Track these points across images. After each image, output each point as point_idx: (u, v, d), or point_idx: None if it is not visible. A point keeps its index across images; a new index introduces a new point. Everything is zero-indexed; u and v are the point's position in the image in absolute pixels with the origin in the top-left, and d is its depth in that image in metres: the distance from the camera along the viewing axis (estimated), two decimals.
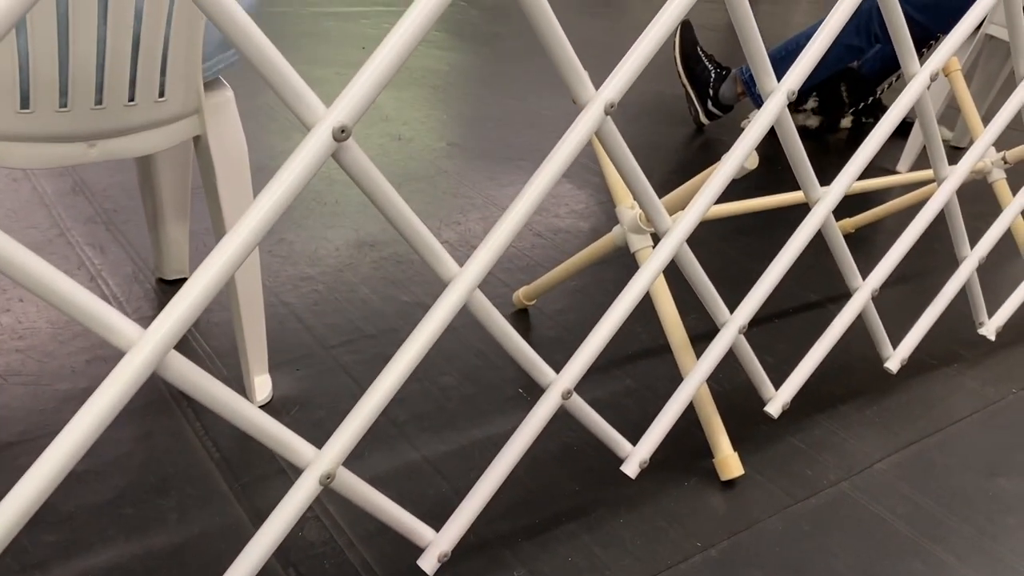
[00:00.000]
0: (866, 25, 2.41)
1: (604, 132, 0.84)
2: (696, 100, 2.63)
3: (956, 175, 1.29)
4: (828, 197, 1.11)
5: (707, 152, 2.51)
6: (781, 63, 2.35)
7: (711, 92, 2.60)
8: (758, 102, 2.51)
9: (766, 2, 5.72)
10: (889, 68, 2.74)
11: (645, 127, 2.65)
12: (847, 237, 2.00)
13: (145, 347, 0.59)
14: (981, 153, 1.32)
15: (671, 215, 1.28)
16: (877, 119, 2.63)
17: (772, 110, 0.98)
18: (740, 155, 1.00)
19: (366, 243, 1.71)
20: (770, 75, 0.98)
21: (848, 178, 1.13)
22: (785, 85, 0.99)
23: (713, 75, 2.60)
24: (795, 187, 1.99)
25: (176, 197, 1.38)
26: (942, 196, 1.28)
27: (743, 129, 0.98)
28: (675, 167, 2.41)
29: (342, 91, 0.64)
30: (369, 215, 1.82)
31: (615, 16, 4.55)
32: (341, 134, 0.63)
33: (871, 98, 2.76)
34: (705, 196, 0.99)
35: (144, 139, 0.95)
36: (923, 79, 1.12)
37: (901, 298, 1.75)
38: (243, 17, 0.58)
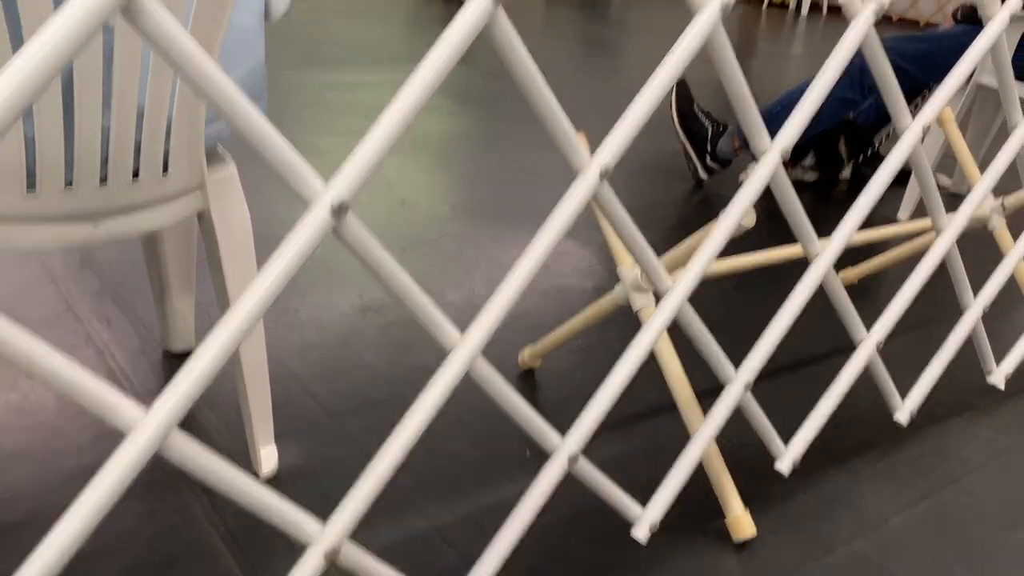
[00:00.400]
0: (859, 78, 2.45)
1: (600, 197, 0.85)
2: (694, 156, 2.66)
3: (954, 225, 1.30)
4: (826, 253, 1.12)
5: (707, 207, 2.53)
6: (775, 119, 2.38)
7: (709, 148, 2.63)
8: (755, 156, 2.54)
9: (759, 57, 5.83)
10: (885, 118, 2.78)
11: (645, 184, 2.68)
12: (850, 288, 2.00)
13: (147, 428, 0.59)
14: (979, 201, 1.33)
15: (672, 272, 1.28)
16: (875, 169, 2.65)
17: (766, 170, 0.99)
18: (737, 214, 1.00)
19: (371, 308, 1.71)
20: (762, 134, 0.99)
21: (846, 232, 1.13)
22: (778, 144, 1.00)
23: (710, 131, 2.64)
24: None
25: (181, 270, 1.39)
26: (941, 247, 1.28)
27: (742, 183, 0.99)
28: (676, 223, 2.42)
29: (342, 164, 0.65)
30: (374, 279, 1.83)
31: (612, 60, 4.64)
32: (339, 211, 0.64)
33: (869, 149, 2.79)
34: (704, 255, 0.99)
35: (149, 217, 0.96)
36: (915, 132, 1.14)
37: (908, 347, 1.74)
38: (237, 95, 0.60)
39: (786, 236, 2.25)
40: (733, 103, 0.96)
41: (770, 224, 2.34)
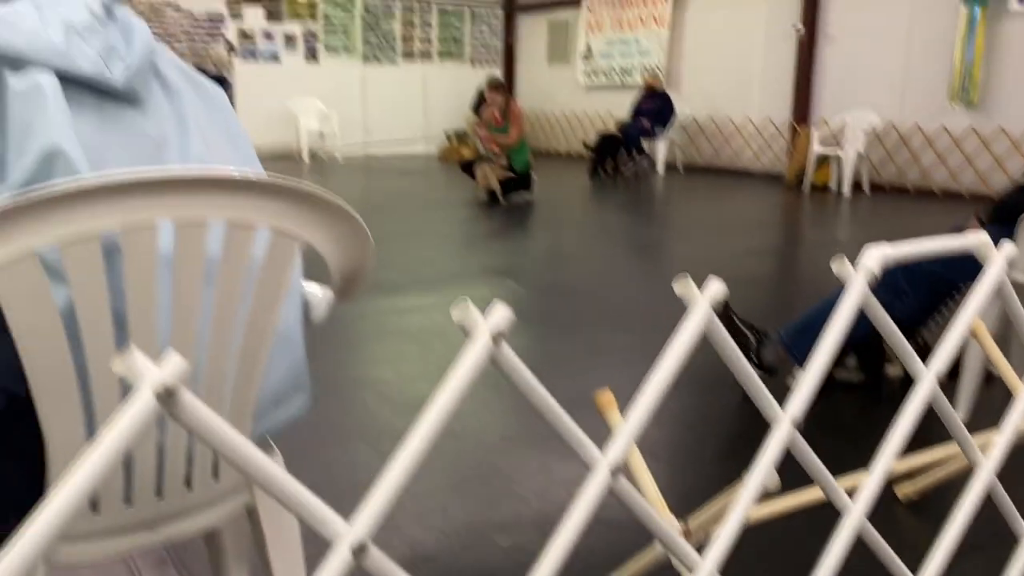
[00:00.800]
0: (892, 281, 2.50)
1: (616, 492, 0.89)
2: None
3: (992, 459, 1.29)
4: (858, 504, 1.13)
5: (757, 419, 2.53)
6: (810, 332, 2.43)
7: (753, 358, 2.67)
8: (800, 362, 2.56)
9: (804, 245, 5.94)
10: (926, 312, 2.78)
11: (692, 395, 2.70)
12: (911, 504, 1.95)
13: None
14: (1020, 419, 1.33)
15: (706, 529, 1.29)
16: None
17: (780, 440, 1.02)
18: (759, 480, 1.03)
19: (420, 557, 1.73)
20: (773, 405, 1.03)
21: (876, 482, 1.14)
22: (789, 412, 1.04)
23: (753, 341, 2.68)
24: (844, 463, 1.98)
25: (239, 552, 1.45)
26: (980, 483, 1.27)
27: (789, 387, 1.02)
28: (725, 438, 2.42)
29: (362, 504, 0.72)
30: (423, 528, 1.86)
31: (657, 264, 4.78)
32: (360, 552, 0.69)
33: (913, 344, 2.79)
34: (731, 524, 1.01)
35: (202, 518, 1.03)
36: (930, 381, 1.17)
37: (973, 569, 1.67)
38: (255, 453, 0.67)
39: (833, 459, 2.22)
40: (738, 378, 1.02)
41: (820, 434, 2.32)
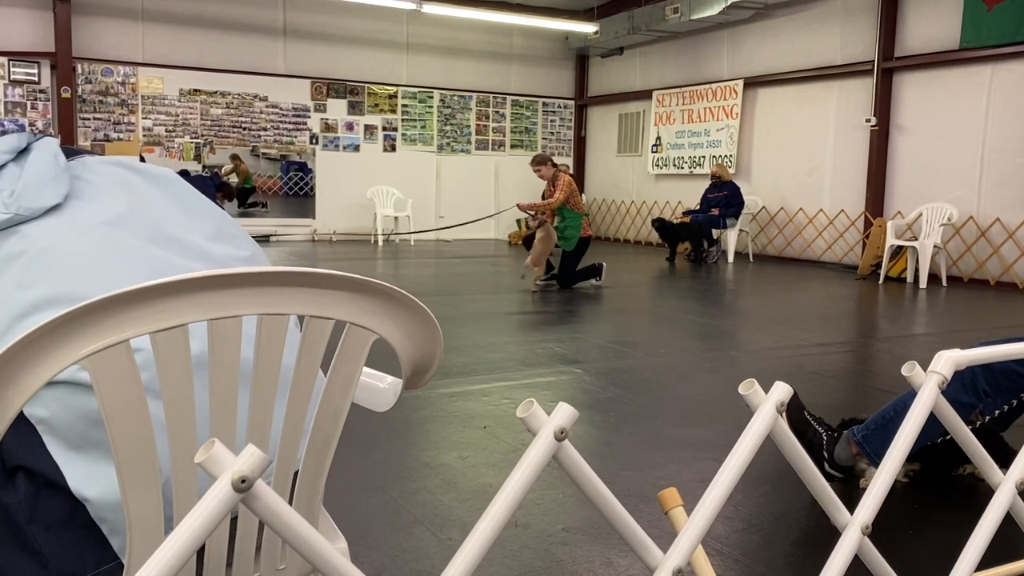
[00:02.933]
0: (972, 382, 2.42)
1: None
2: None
3: None
4: None
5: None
6: (877, 435, 2.37)
7: (826, 455, 2.59)
8: (874, 462, 2.48)
9: (880, 339, 5.79)
10: (1011, 413, 2.68)
11: (764, 494, 2.63)
12: None
13: None
14: None
15: None
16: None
17: (849, 547, 1.00)
18: None
19: None
20: (840, 511, 1.01)
21: None
22: (859, 519, 1.02)
23: (825, 438, 2.61)
24: (923, 570, 1.89)
25: None
26: None
27: (863, 488, 1.00)
28: (796, 538, 2.34)
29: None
30: None
31: (728, 352, 4.71)
32: None
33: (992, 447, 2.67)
34: None
35: None
36: (1009, 489, 1.13)
37: None
38: (324, 544, 0.70)
39: (916, 557, 2.12)
40: (805, 482, 1.00)
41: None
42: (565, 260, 7.66)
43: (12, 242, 1.10)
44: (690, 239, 10.51)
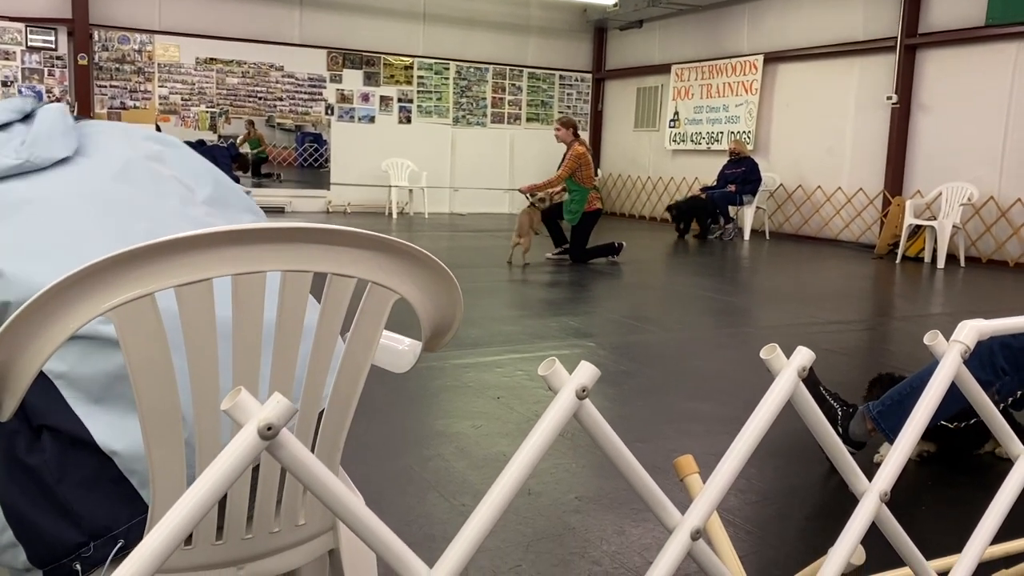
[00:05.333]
0: (990, 359, 2.40)
1: (695, 554, 0.88)
2: None
3: None
4: None
5: (844, 493, 2.45)
6: (893, 410, 2.37)
7: (840, 430, 2.59)
8: (890, 438, 2.47)
9: (896, 319, 5.76)
10: None
11: (780, 466, 2.63)
12: None
13: None
14: None
15: None
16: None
17: (867, 513, 1.00)
18: (844, 554, 1.00)
19: None
20: (859, 476, 1.01)
21: (968, 567, 1.10)
22: (877, 486, 1.02)
23: (840, 413, 2.61)
24: (939, 543, 1.89)
25: None
26: None
27: (877, 464, 1.00)
28: (812, 511, 2.35)
29: (447, 552, 0.73)
30: None
31: (743, 328, 4.70)
32: None
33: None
34: None
35: (286, 558, 1.06)
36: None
37: None
38: (345, 492, 0.70)
39: (932, 529, 2.13)
40: (824, 449, 1.00)
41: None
42: (575, 235, 7.61)
43: (22, 188, 1.11)
44: (697, 217, 10.45)
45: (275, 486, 0.99)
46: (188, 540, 0.98)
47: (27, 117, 1.29)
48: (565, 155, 7.70)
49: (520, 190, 8.06)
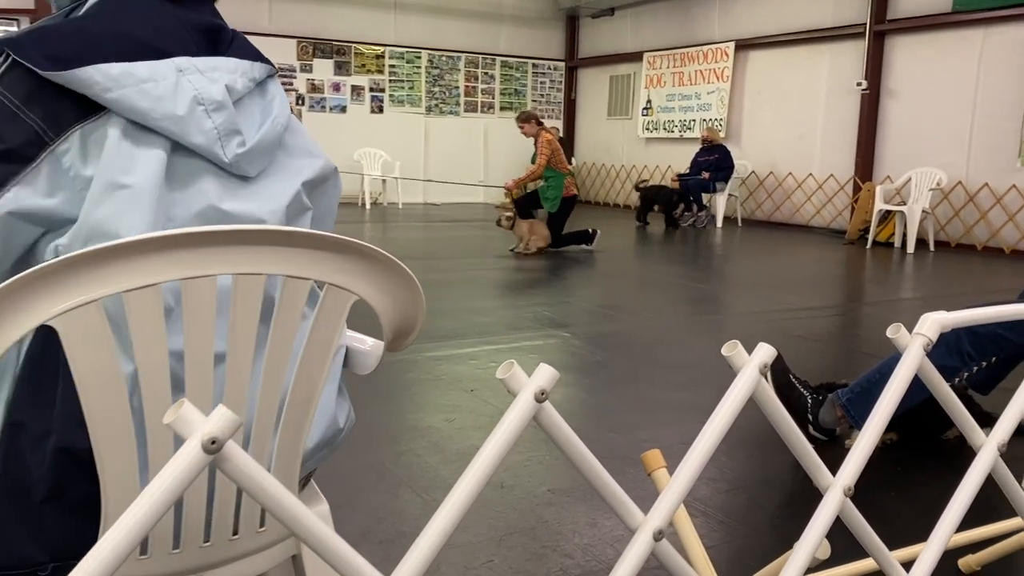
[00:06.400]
0: (956, 345, 2.43)
1: (658, 554, 0.88)
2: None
3: None
4: None
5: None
6: (861, 398, 2.39)
7: (810, 418, 2.60)
8: (859, 425, 2.49)
9: (867, 304, 5.82)
10: (993, 378, 2.69)
11: (750, 456, 2.65)
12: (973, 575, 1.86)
13: None
14: None
15: None
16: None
17: (831, 509, 1.00)
18: (809, 550, 1.00)
19: None
20: (823, 472, 1.01)
21: (933, 556, 1.10)
22: (840, 481, 1.01)
23: (810, 401, 2.62)
24: (907, 530, 1.91)
25: None
26: None
27: (847, 448, 1.00)
28: (781, 500, 2.36)
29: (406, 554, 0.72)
30: None
31: (716, 316, 4.71)
32: None
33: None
34: None
35: (247, 566, 1.04)
36: (990, 451, 1.13)
37: None
38: (298, 506, 0.68)
39: (900, 516, 2.14)
40: (788, 444, 1.00)
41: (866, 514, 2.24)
42: (551, 221, 7.62)
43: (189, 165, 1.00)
44: (660, 204, 10.48)
45: (233, 492, 0.97)
46: (144, 550, 0.96)
47: (262, 84, 1.10)
48: (536, 145, 7.71)
49: (506, 187, 8.04)
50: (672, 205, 10.41)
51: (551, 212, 7.60)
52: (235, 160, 1.01)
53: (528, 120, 7.74)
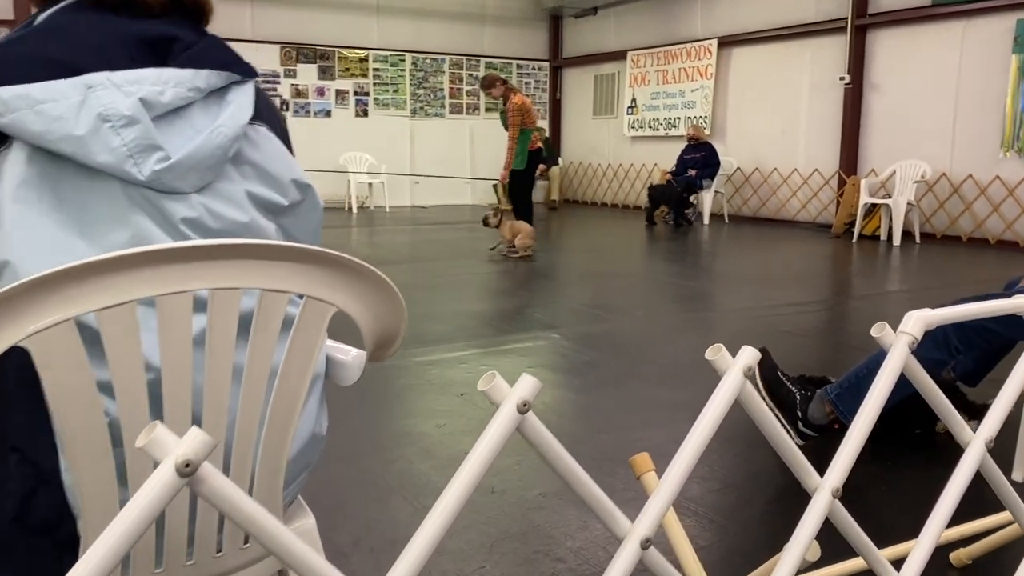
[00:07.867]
0: (944, 339, 2.43)
1: (646, 562, 0.87)
2: (786, 424, 2.63)
3: None
4: None
5: None
6: (849, 394, 2.40)
7: (800, 414, 2.60)
8: (847, 420, 2.49)
9: (854, 297, 5.84)
10: (980, 371, 2.70)
11: (740, 454, 2.64)
12: (964, 569, 1.86)
13: None
14: None
15: None
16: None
17: (819, 510, 0.99)
18: (799, 552, 1.00)
19: None
20: (811, 473, 1.01)
21: (923, 553, 1.10)
22: (828, 482, 1.01)
23: (799, 397, 2.62)
24: (897, 527, 1.91)
25: None
26: None
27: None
28: (774, 496, 2.36)
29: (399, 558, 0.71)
30: None
31: (707, 314, 4.72)
32: None
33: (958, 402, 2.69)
34: None
35: None
36: (978, 447, 1.13)
37: None
38: (277, 526, 0.67)
39: (890, 514, 2.14)
40: (774, 446, 0.99)
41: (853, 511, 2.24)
42: (514, 186, 7.59)
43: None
44: (668, 202, 10.49)
45: (215, 512, 0.95)
46: (126, 568, 0.94)
47: (221, 93, 1.03)
48: (505, 114, 7.59)
49: (501, 180, 8.00)
50: (683, 203, 10.38)
51: (518, 169, 7.55)
52: (154, 177, 0.93)
53: (492, 84, 7.59)
